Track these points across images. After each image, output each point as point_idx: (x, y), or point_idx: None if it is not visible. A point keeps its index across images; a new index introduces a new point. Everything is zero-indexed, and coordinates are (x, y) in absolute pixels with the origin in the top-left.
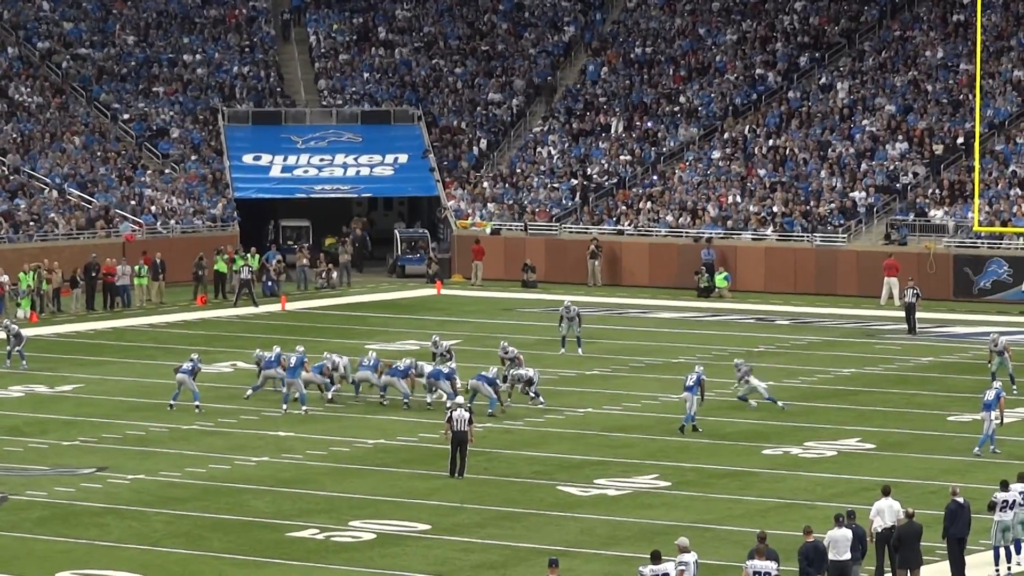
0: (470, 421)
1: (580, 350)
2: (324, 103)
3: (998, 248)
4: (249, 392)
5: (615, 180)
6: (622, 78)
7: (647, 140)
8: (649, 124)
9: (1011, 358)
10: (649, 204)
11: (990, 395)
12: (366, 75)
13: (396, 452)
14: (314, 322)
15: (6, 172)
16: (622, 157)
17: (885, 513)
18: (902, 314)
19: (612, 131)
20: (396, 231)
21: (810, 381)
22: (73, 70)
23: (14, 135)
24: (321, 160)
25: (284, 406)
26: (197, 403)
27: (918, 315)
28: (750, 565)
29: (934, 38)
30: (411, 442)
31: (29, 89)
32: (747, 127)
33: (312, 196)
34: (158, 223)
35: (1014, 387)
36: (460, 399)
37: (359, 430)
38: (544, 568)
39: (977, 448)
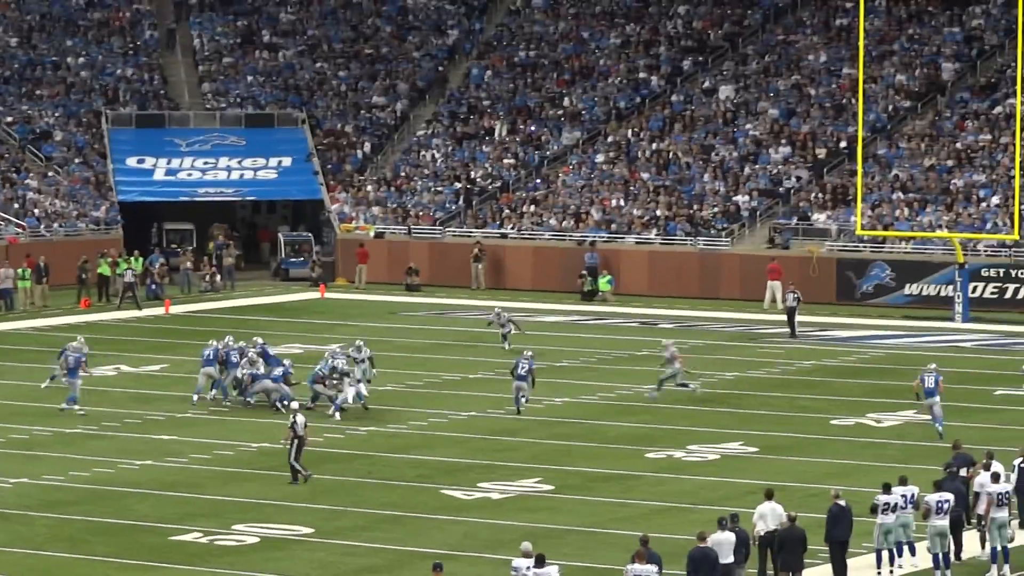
0: (305, 425)
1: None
2: (208, 106)
3: (881, 252)
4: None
5: (499, 184)
6: (506, 82)
7: (531, 144)
8: (533, 128)
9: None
10: (533, 208)
11: (930, 381)
12: (250, 78)
13: (279, 456)
14: (198, 325)
15: None
16: (506, 161)
17: (768, 517)
18: (784, 318)
19: (496, 135)
20: (280, 234)
21: (694, 384)
22: None
23: None
24: (205, 163)
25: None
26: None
27: (799, 319)
28: (631, 569)
29: (817, 42)
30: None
31: None
32: (630, 131)
33: (196, 199)
34: (41, 226)
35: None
36: (296, 404)
37: (242, 434)
38: (428, 571)
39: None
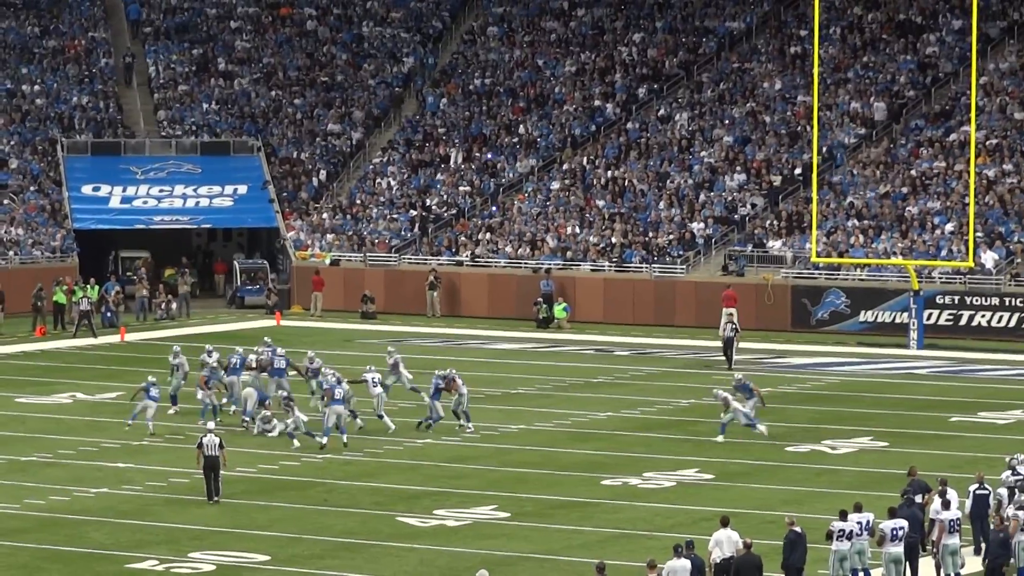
0: (221, 446)
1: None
2: (163, 134)
3: (836, 279)
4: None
5: (454, 211)
6: (461, 109)
7: (486, 171)
8: (488, 155)
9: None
10: (488, 235)
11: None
12: (205, 106)
13: (235, 483)
14: (154, 353)
15: None
16: (461, 188)
17: (724, 544)
18: (742, 345)
19: (451, 162)
20: (235, 262)
21: (649, 412)
22: None
23: None
24: (160, 191)
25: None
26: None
27: (739, 346)
28: None
29: (772, 70)
30: (250, 473)
31: None
32: (586, 158)
33: (151, 227)
34: None
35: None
36: (211, 424)
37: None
38: None
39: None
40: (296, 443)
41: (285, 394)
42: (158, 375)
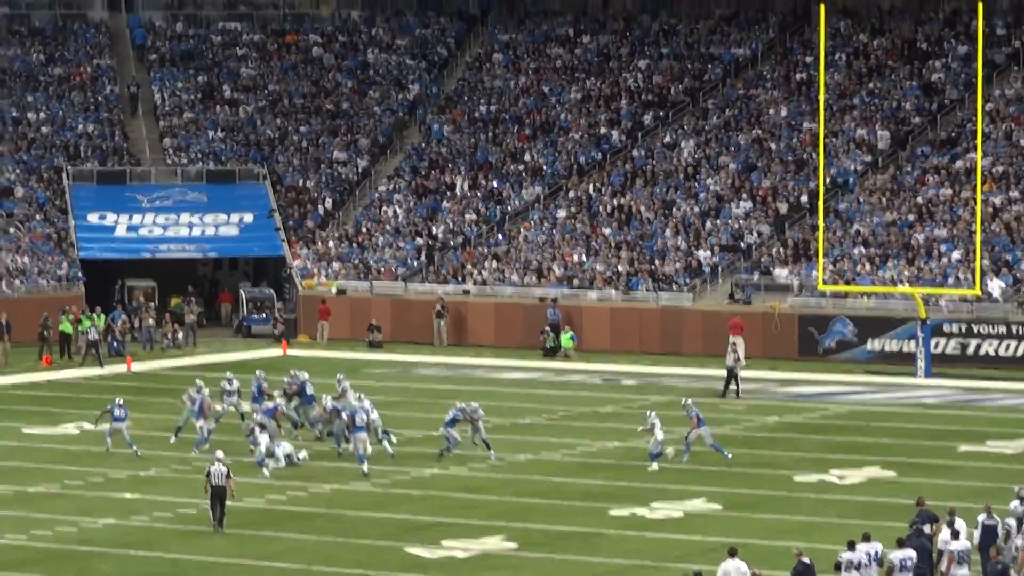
0: (228, 475)
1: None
2: (169, 162)
3: (843, 307)
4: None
5: (460, 239)
6: (467, 137)
7: (492, 199)
8: (494, 183)
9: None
10: (495, 263)
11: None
12: (211, 134)
13: (242, 515)
14: (161, 383)
15: None
16: (467, 216)
17: (732, 574)
18: (749, 373)
19: (457, 190)
20: (241, 291)
21: None
22: None
23: None
24: (166, 219)
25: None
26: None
27: (742, 375)
28: None
29: (778, 97)
30: (258, 505)
31: None
32: (592, 186)
33: (158, 256)
34: (2, 283)
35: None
36: (220, 453)
37: (204, 491)
38: None
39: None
40: (266, 472)
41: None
42: (167, 405)
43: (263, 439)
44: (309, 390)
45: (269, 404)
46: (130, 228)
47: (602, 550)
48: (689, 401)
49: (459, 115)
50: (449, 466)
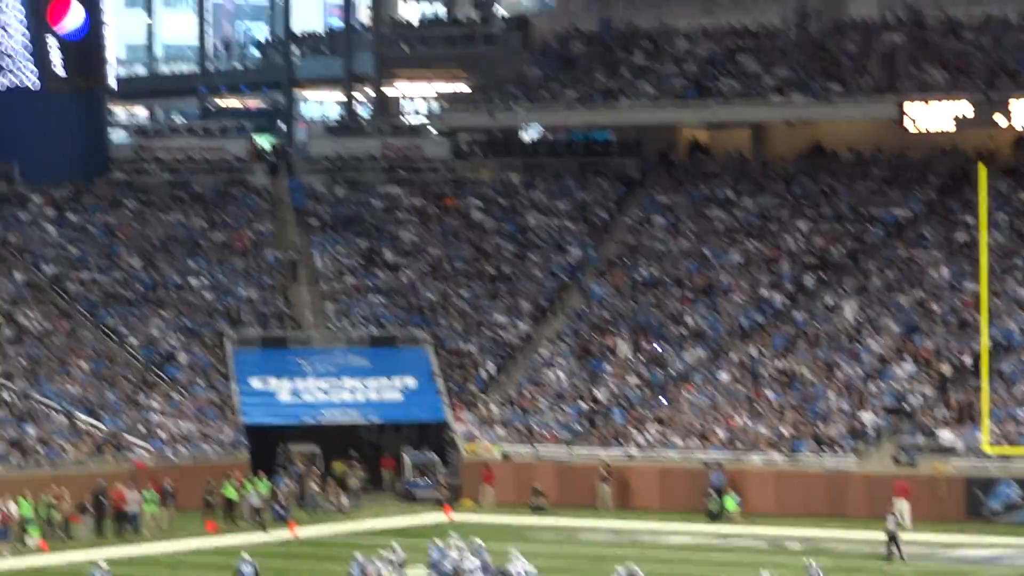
0: None
1: None
2: (331, 327)
3: (1009, 469)
4: None
5: (623, 403)
6: (628, 299)
7: (654, 362)
8: (656, 346)
9: None
10: (658, 427)
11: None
12: (373, 298)
13: None
14: (326, 548)
15: (14, 398)
16: (630, 379)
17: None
18: (915, 536)
19: (619, 353)
20: (405, 455)
21: None
22: (80, 294)
23: (22, 360)
24: (329, 384)
25: None
26: None
27: (904, 539)
28: None
29: (939, 257)
30: None
31: (36, 314)
32: (754, 348)
33: (321, 421)
34: (166, 449)
35: None
36: None
37: None
38: None
39: None
40: None
41: None
42: (333, 572)
43: None
44: (486, 556)
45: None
46: (293, 393)
47: None
48: (814, 564)
49: (620, 278)
50: None
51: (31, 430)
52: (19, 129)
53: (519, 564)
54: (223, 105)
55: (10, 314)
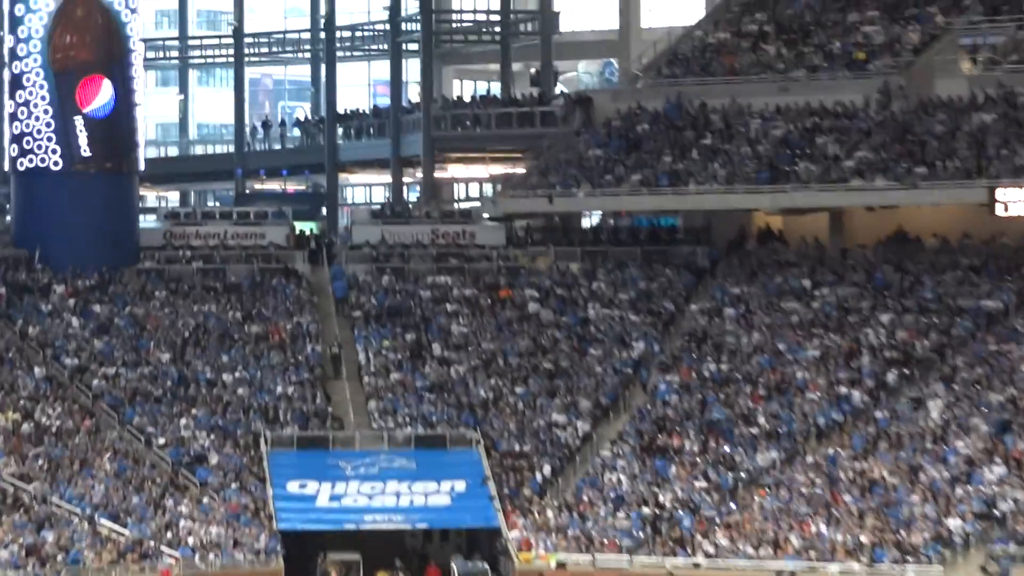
0: None
1: None
2: (375, 426)
3: None
4: None
5: (690, 508)
6: (696, 397)
7: (723, 464)
8: (725, 447)
9: None
10: (727, 533)
11: None
12: (420, 396)
13: None
14: None
15: (32, 501)
16: (697, 483)
17: None
18: None
19: (686, 454)
20: (453, 565)
21: None
22: (104, 391)
23: (41, 461)
24: (372, 488)
25: None
26: None
27: None
28: None
29: None
30: None
31: (58, 411)
32: (832, 449)
33: (362, 527)
34: (196, 556)
35: None
36: None
37: None
38: None
39: None
40: None
41: None
42: None
43: None
44: None
45: None
46: (332, 497)
47: None
48: None
49: (687, 373)
50: None
51: (49, 536)
52: (41, 213)
53: None
54: (261, 189)
55: (29, 411)
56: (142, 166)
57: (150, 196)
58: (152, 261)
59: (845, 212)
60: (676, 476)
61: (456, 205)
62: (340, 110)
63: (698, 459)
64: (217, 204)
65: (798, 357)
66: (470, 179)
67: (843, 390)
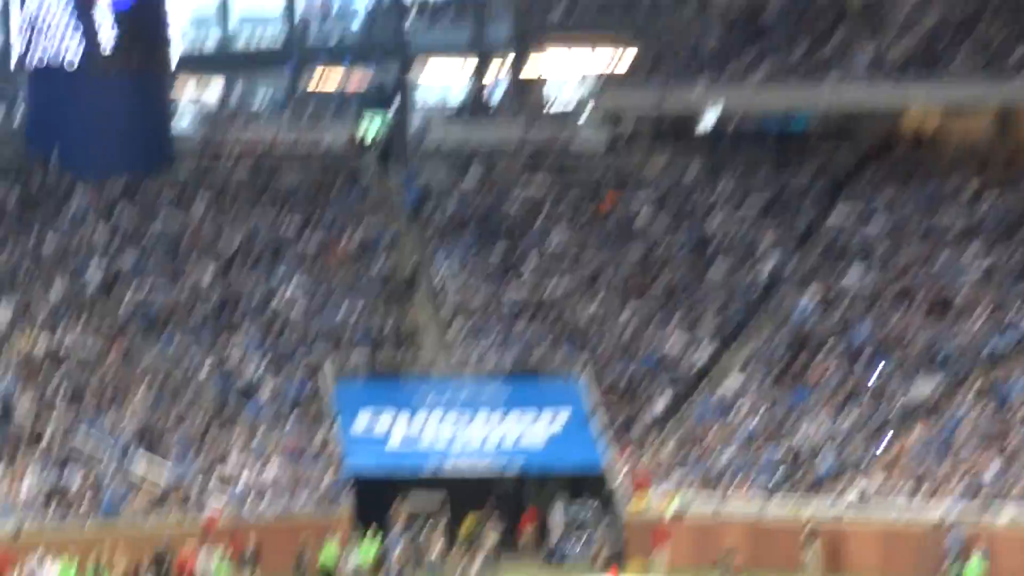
0: None
1: None
2: (459, 351)
3: None
4: None
5: (833, 445)
6: (837, 318)
7: (872, 395)
8: (874, 375)
9: None
10: (878, 475)
11: None
12: (511, 315)
13: None
14: None
15: (54, 437)
16: (840, 417)
17: None
18: None
19: (826, 384)
20: (554, 508)
21: None
22: (136, 312)
23: (63, 392)
24: (456, 424)
25: None
26: None
27: None
28: None
29: None
30: None
31: (82, 335)
32: (1001, 375)
33: (445, 469)
34: (247, 503)
35: None
36: None
37: None
38: None
39: None
40: None
41: None
42: None
43: None
44: None
45: None
46: (409, 434)
47: None
48: None
49: (827, 291)
50: None
51: (75, 476)
52: (60, 115)
53: None
54: (317, 84)
55: (49, 334)
56: (174, 64)
57: (187, 94)
58: (190, 166)
59: (1013, 110)
60: (815, 409)
61: (549, 102)
62: None
63: (841, 389)
64: (267, 100)
65: (959, 273)
66: (568, 72)
67: (1012, 314)
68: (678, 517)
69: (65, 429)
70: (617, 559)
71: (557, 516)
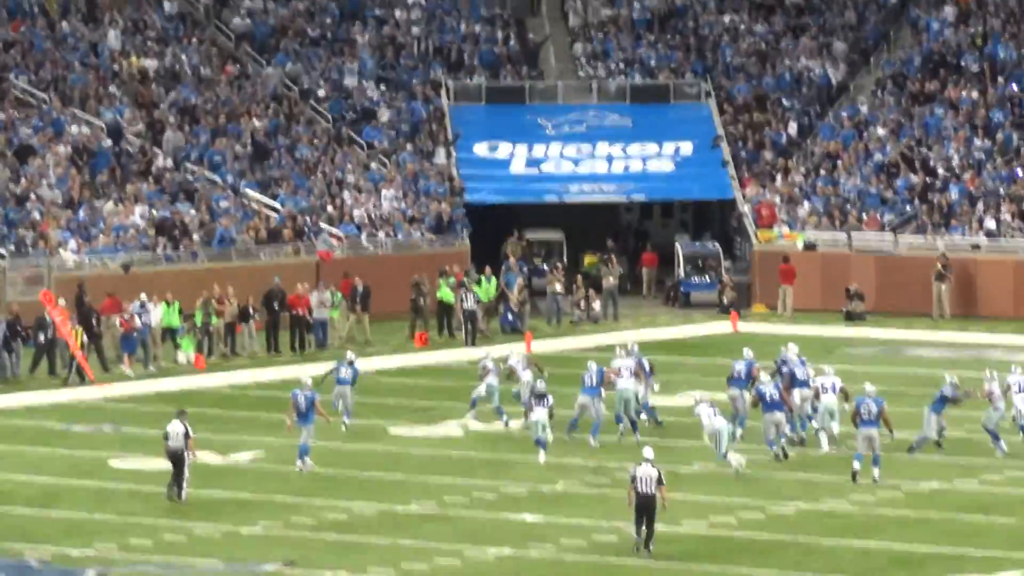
0: (660, 481)
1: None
2: (582, 74)
3: None
4: None
5: (968, 175)
6: (975, 29)
7: (1013, 113)
8: (1014, 87)
9: None
10: (1015, 207)
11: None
12: (637, 35)
13: (683, 542)
14: (571, 367)
15: (162, 165)
16: (976, 141)
17: None
18: None
19: (963, 104)
20: (677, 245)
21: None
22: (248, 30)
23: (171, 117)
24: (578, 151)
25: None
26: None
27: None
28: None
29: None
30: (699, 530)
31: (191, 54)
32: None
33: (566, 200)
34: (362, 235)
35: None
36: (649, 451)
37: (625, 513)
38: None
39: None
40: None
41: None
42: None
43: None
44: (799, 373)
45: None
46: (530, 163)
47: None
48: None
49: (965, 3)
50: (953, 478)
51: (184, 209)
52: None
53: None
54: None
55: (159, 55)
56: None
57: None
58: None
59: None
60: (951, 132)
61: None
62: None
63: (980, 110)
64: None
65: None
66: None
67: None
68: (808, 249)
69: (175, 159)
70: (739, 305)
71: (679, 255)
